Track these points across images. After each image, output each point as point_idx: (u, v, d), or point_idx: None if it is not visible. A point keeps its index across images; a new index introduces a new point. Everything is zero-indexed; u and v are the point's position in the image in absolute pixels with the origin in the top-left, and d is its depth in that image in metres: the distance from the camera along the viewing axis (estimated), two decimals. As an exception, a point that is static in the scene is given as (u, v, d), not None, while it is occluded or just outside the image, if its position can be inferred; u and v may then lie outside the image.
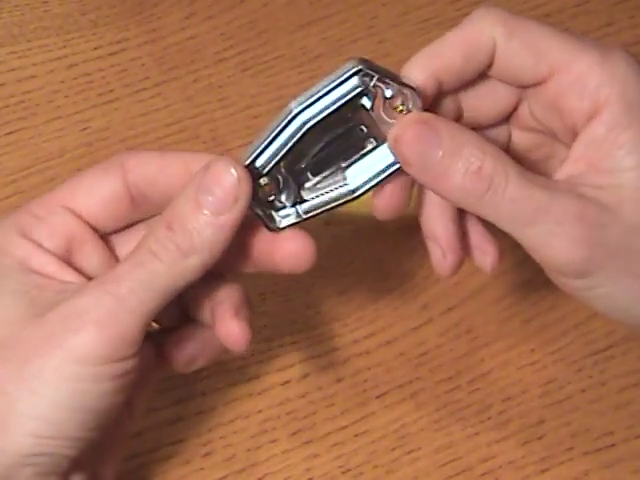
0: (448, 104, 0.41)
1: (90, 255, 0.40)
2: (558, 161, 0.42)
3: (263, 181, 0.38)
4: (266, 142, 0.38)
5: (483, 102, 0.42)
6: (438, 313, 0.50)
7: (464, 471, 0.45)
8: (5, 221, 0.40)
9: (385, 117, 0.38)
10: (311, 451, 0.45)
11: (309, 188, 0.40)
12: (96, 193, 0.40)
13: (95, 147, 0.56)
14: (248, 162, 0.38)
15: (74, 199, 0.40)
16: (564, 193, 0.38)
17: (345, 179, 0.40)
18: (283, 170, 0.39)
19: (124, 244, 0.41)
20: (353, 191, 0.40)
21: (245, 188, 0.37)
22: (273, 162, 0.38)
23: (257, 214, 0.39)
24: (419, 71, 0.39)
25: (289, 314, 0.50)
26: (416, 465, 0.45)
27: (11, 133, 0.57)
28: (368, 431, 0.46)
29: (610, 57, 0.39)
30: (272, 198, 0.39)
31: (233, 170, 0.37)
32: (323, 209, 0.40)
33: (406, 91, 0.38)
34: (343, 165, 0.40)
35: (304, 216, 0.40)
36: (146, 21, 0.62)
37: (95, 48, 0.60)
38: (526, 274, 0.52)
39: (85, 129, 0.57)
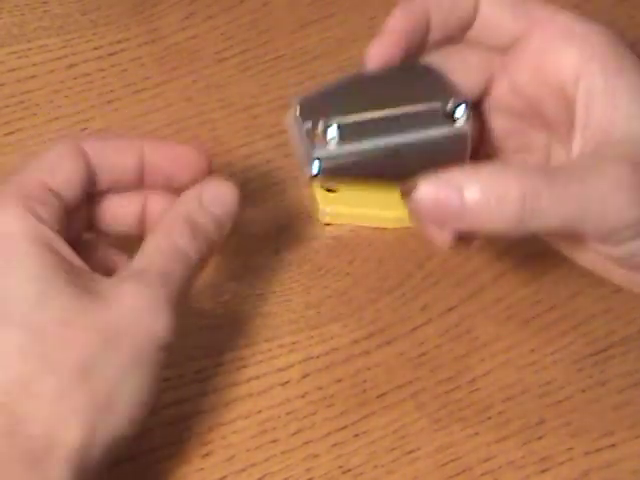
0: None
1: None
2: (533, 152, 0.43)
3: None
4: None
5: (456, 70, 0.42)
6: (438, 313, 0.50)
7: (464, 471, 0.45)
8: (8, 200, 0.40)
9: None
10: (311, 451, 0.45)
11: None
12: (70, 176, 0.41)
13: (95, 147, 0.56)
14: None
15: (53, 181, 0.41)
16: (588, 171, 0.37)
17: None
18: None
19: None
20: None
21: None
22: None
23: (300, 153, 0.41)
24: (414, 7, 0.41)
25: (289, 314, 0.50)
26: (416, 465, 0.45)
27: (11, 133, 0.57)
28: (368, 431, 0.46)
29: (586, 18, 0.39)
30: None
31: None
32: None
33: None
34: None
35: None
36: (146, 21, 0.62)
37: (95, 48, 0.60)
38: (526, 274, 0.52)
39: (85, 129, 0.57)
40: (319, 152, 0.40)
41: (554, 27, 0.39)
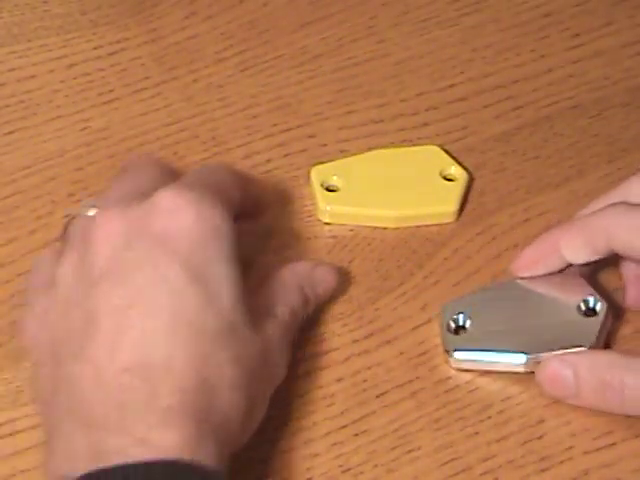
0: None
1: None
2: None
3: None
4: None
5: None
6: (438, 313, 0.50)
7: (464, 470, 0.45)
8: (218, 201, 0.42)
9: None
10: (311, 450, 0.45)
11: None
12: (237, 201, 0.45)
13: (95, 147, 0.56)
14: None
15: (233, 200, 0.45)
16: None
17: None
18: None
19: None
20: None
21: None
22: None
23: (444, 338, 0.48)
24: (547, 244, 0.48)
25: (289, 314, 0.50)
26: (416, 464, 0.45)
27: (11, 133, 0.57)
28: (368, 430, 0.46)
29: None
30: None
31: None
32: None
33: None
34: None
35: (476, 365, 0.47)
36: (146, 21, 0.62)
37: (95, 48, 0.60)
38: (526, 274, 0.52)
39: (85, 129, 0.57)
40: (457, 344, 0.47)
41: None
